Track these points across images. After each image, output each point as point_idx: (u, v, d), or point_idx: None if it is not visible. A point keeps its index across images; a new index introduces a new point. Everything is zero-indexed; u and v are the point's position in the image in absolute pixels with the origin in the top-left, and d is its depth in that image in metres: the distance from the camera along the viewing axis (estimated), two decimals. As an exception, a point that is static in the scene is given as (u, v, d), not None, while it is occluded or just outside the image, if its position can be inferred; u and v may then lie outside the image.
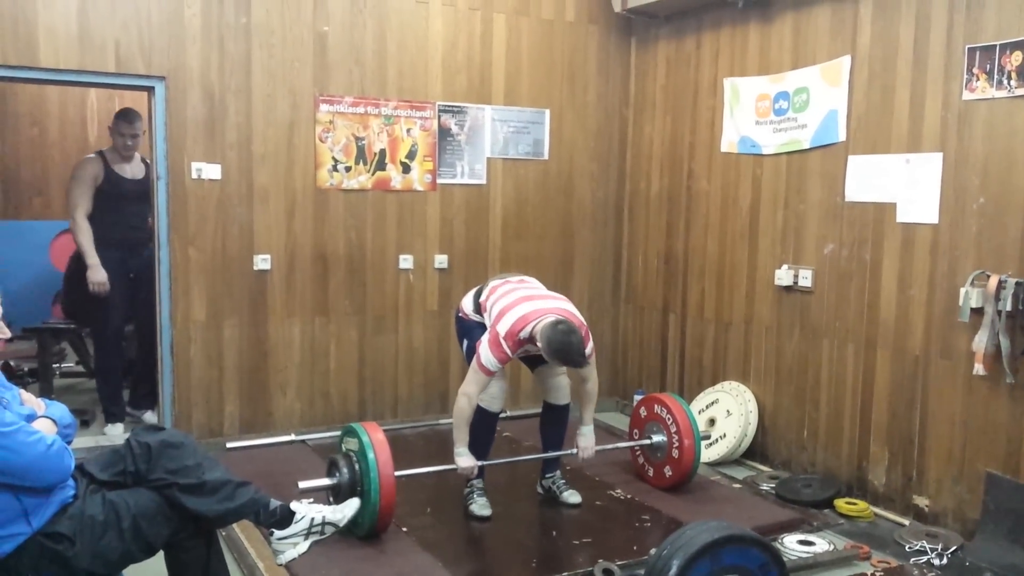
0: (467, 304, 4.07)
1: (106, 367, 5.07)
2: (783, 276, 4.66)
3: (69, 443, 2.62)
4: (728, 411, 4.87)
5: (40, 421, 2.60)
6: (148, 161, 5.08)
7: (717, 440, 4.84)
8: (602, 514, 4.01)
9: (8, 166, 6.66)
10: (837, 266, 4.41)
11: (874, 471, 4.24)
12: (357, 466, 3.54)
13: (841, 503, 4.17)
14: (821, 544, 3.70)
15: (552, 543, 3.80)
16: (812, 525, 3.98)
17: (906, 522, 4.00)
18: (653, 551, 2.75)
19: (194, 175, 4.69)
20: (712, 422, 4.93)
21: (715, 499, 4.24)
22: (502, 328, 3.68)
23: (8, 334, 2.57)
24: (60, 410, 2.72)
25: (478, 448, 3.88)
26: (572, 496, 4.07)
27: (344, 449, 3.69)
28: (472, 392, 3.74)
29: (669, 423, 4.22)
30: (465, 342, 4.03)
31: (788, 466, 4.68)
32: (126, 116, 5.02)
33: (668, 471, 4.24)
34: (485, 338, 3.75)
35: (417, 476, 3.89)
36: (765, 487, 4.43)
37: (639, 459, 4.45)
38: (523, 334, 3.68)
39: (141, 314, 5.07)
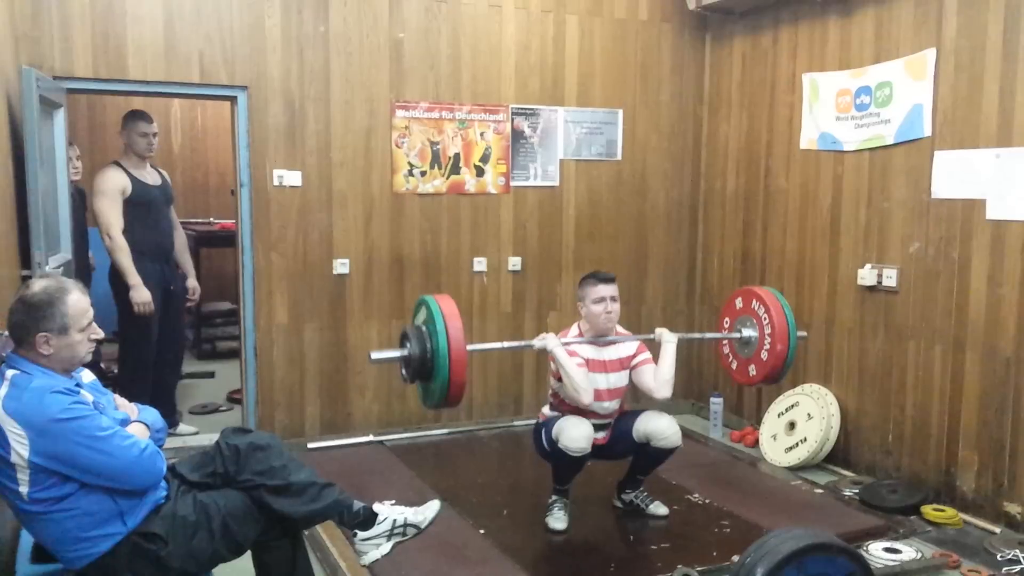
0: (546, 409, 3.96)
1: (138, 387, 4.68)
2: (866, 276, 4.55)
3: (161, 447, 2.71)
4: (809, 414, 4.77)
5: (133, 426, 2.70)
6: (159, 168, 5.08)
7: (798, 444, 4.75)
8: (680, 519, 3.97)
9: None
10: (923, 265, 4.28)
11: (963, 476, 4.11)
12: (428, 337, 3.37)
13: (928, 510, 4.05)
14: (908, 552, 3.59)
15: (631, 548, 3.79)
16: (898, 532, 3.87)
17: (997, 530, 3.87)
18: (736, 558, 2.71)
19: (276, 182, 4.81)
20: (792, 425, 4.84)
21: (796, 505, 4.17)
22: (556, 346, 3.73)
23: (101, 333, 2.66)
24: (152, 415, 2.82)
25: (560, 478, 3.85)
26: (659, 508, 4.00)
27: (415, 323, 3.56)
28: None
29: (764, 322, 3.98)
30: (543, 431, 3.84)
31: (872, 471, 4.57)
32: (143, 116, 4.81)
33: (753, 370, 4.06)
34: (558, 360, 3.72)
35: (494, 477, 3.90)
36: (848, 492, 4.33)
37: (724, 349, 4.29)
38: (571, 333, 3.85)
39: (170, 327, 4.99)
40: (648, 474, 4.01)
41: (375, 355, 3.50)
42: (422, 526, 3.17)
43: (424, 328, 3.42)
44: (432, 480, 4.37)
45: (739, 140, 5.51)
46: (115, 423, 2.57)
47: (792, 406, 4.90)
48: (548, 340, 3.72)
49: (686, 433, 5.24)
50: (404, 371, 3.50)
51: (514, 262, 5.40)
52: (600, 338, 3.83)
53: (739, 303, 4.18)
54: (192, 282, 5.28)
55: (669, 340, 3.87)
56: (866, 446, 4.63)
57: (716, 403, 5.44)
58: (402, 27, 4.99)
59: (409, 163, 5.08)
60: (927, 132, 4.22)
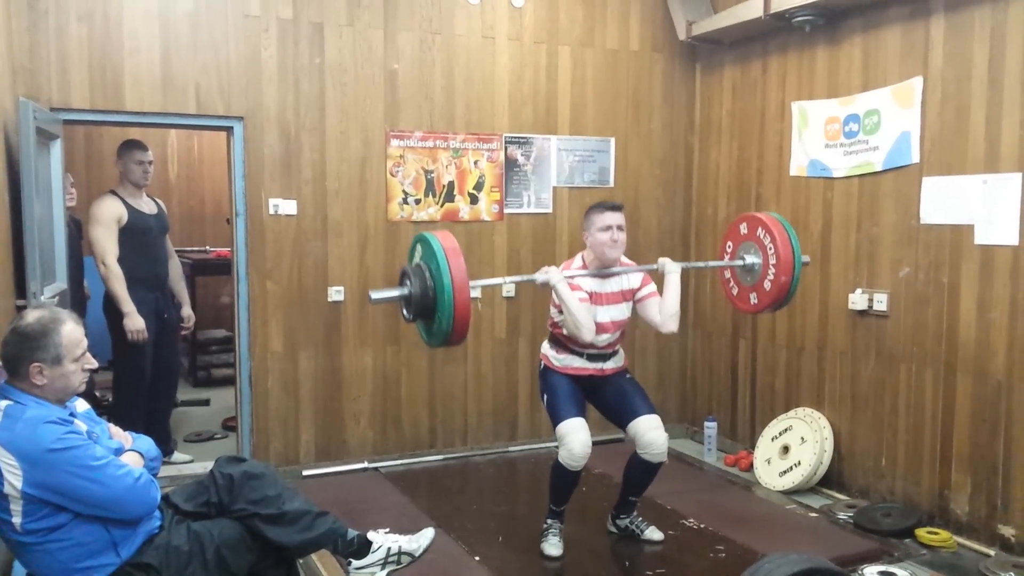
0: (546, 348, 3.95)
1: (132, 416, 4.69)
2: (857, 300, 4.58)
3: (155, 476, 2.73)
4: (802, 438, 4.79)
5: (128, 455, 2.71)
6: (155, 198, 5.12)
7: (792, 468, 4.75)
8: (676, 544, 3.96)
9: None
10: (913, 289, 4.32)
11: (956, 499, 4.12)
12: (427, 271, 3.25)
13: (922, 533, 4.05)
14: (903, 576, 3.61)
15: (626, 574, 3.79)
16: (893, 556, 3.87)
17: (991, 552, 3.88)
18: (728, 584, 2.72)
19: (271, 211, 4.84)
20: (786, 449, 4.85)
21: (791, 529, 4.17)
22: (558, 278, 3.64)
23: (95, 364, 2.68)
24: (147, 443, 2.83)
25: (558, 496, 3.81)
26: (654, 533, 3.98)
27: (412, 262, 3.42)
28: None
29: (769, 252, 3.83)
30: (546, 396, 3.86)
31: (866, 494, 4.58)
32: (139, 145, 4.87)
33: (754, 298, 3.96)
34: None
35: (489, 503, 3.89)
36: (842, 516, 4.33)
37: (725, 273, 4.16)
38: (575, 264, 3.82)
39: (165, 355, 5.01)
40: (640, 495, 3.99)
41: (375, 295, 3.35)
42: (417, 554, 3.19)
43: (423, 263, 3.29)
44: (427, 507, 4.37)
45: (730, 167, 5.56)
46: (109, 452, 2.58)
47: (786, 430, 4.92)
48: (551, 274, 3.62)
49: (680, 458, 5.28)
50: (405, 310, 3.36)
51: (508, 288, 5.42)
52: (604, 270, 3.77)
53: (743, 228, 4.03)
54: (187, 310, 5.29)
55: (672, 270, 3.80)
56: (860, 470, 4.64)
57: (710, 427, 5.46)
58: (397, 58, 5.05)
59: (404, 191, 5.13)
60: (915, 159, 4.27)
